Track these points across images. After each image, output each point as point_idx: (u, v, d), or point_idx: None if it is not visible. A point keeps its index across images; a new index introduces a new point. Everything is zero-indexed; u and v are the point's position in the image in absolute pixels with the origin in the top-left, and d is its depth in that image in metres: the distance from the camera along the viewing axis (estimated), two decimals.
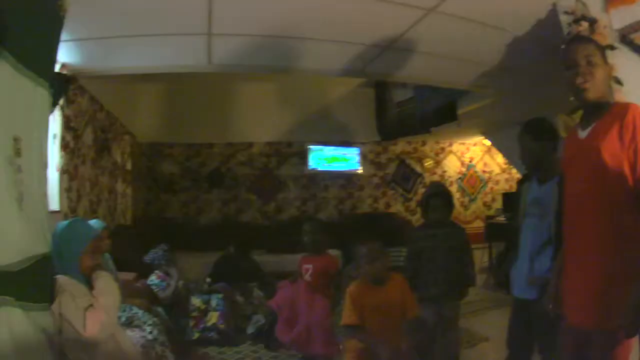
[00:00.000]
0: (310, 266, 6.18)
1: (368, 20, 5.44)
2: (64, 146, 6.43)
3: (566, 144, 3.45)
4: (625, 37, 4.31)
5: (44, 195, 3.28)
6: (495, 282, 9.37)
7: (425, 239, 5.58)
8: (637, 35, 4.24)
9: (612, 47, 4.30)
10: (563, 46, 3.32)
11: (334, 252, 8.29)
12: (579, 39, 3.67)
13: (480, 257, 10.18)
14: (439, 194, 5.69)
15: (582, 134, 3.17)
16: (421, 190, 13.75)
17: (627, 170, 2.89)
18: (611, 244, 2.92)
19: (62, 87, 6.08)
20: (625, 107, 3.05)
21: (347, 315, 4.70)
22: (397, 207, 14.08)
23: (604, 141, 2.98)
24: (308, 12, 5.21)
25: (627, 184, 2.88)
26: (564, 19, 4.67)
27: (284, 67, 6.99)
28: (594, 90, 3.06)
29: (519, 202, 4.64)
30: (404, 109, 12.17)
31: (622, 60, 4.25)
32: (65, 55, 5.77)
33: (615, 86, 4.22)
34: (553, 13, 4.92)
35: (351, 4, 5.03)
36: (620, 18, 4.35)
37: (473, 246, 6.26)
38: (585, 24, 4.43)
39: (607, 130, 3.02)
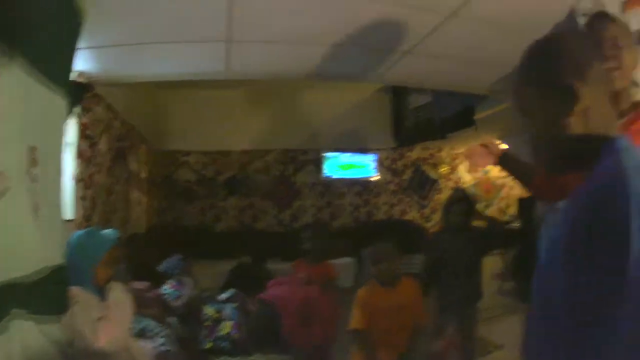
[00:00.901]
0: (305, 275, 6.14)
1: (387, 25, 5.42)
2: (80, 154, 6.42)
3: None
4: None
5: (59, 205, 3.26)
6: (514, 288, 9.32)
7: (444, 245, 5.57)
8: None
9: None
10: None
11: (347, 260, 8.28)
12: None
13: (496, 263, 10.14)
14: (461, 200, 5.69)
15: None
16: (437, 197, 13.91)
17: None
18: None
19: (79, 95, 6.09)
20: None
21: (355, 320, 4.69)
22: (413, 214, 14.03)
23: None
24: (327, 18, 5.22)
25: None
26: (582, 21, 4.63)
27: (303, 74, 6.97)
28: (622, 77, 2.77)
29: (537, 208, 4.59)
30: (421, 114, 12.24)
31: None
32: (82, 63, 5.79)
33: (635, 88, 4.18)
34: (571, 15, 4.90)
35: (370, 9, 5.03)
36: (638, 19, 4.33)
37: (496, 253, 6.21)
38: None
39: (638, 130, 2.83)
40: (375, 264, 4.73)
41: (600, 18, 3.04)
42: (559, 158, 1.81)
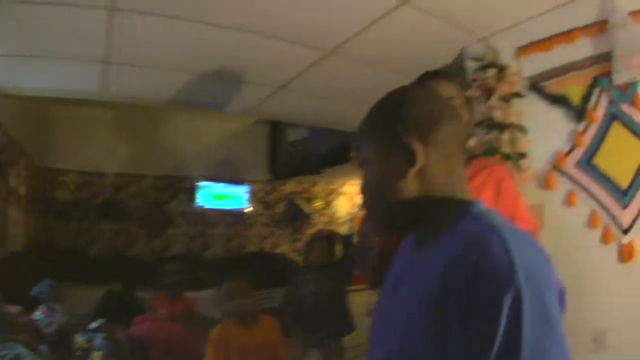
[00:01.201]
0: (165, 311, 6.21)
1: (265, 59, 5.67)
2: None
3: None
4: (535, 85, 4.47)
5: None
6: None
7: (307, 282, 5.69)
8: (549, 83, 4.37)
9: (519, 95, 4.44)
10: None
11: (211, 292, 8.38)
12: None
13: (370, 298, 10.26)
14: (323, 239, 5.83)
15: None
16: (309, 231, 13.89)
17: None
18: None
19: None
20: (499, 171, 3.11)
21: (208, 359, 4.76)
22: (285, 248, 14.18)
23: (479, 195, 2.70)
24: (203, 47, 5.43)
25: None
26: (471, 64, 4.73)
27: (179, 101, 7.10)
28: None
29: None
30: (297, 148, 12.30)
31: (530, 108, 4.45)
32: None
33: (520, 134, 4.37)
34: (460, 58, 5.04)
35: (250, 42, 5.25)
36: (532, 65, 4.51)
37: (364, 287, 6.35)
38: (493, 71, 4.51)
39: (479, 186, 2.94)
40: (229, 300, 4.79)
41: (435, 77, 3.17)
42: (391, 217, 1.72)
